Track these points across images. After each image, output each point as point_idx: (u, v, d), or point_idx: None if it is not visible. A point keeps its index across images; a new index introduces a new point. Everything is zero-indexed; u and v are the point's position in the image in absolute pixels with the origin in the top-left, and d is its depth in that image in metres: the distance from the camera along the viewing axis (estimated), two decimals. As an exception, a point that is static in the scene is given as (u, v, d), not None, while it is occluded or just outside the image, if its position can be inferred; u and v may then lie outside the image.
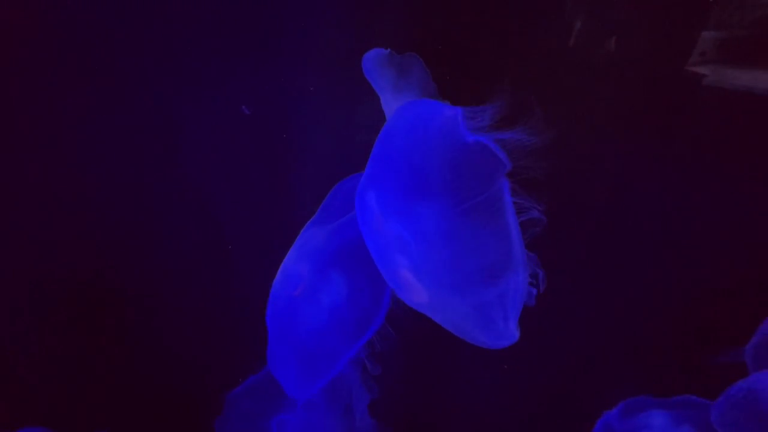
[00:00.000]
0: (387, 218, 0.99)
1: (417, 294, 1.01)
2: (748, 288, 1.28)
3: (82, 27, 1.42)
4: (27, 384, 1.74)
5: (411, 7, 1.29)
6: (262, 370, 1.52)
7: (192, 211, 1.59)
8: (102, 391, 1.75)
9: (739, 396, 1.12)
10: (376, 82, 1.06)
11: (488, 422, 1.64)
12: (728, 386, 1.17)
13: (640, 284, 1.38)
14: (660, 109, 1.35)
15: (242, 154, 1.54)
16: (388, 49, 1.09)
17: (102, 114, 1.48)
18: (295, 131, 1.49)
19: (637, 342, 1.45)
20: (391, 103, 1.09)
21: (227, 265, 1.62)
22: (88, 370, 1.74)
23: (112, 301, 1.68)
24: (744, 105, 1.29)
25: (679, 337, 1.40)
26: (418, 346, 1.32)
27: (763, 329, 1.16)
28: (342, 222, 1.22)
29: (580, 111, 1.36)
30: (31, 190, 1.55)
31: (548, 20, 1.30)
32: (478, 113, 0.91)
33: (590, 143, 1.37)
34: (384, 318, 1.25)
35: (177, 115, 1.49)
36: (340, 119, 1.45)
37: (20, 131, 1.51)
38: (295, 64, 1.41)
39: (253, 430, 1.52)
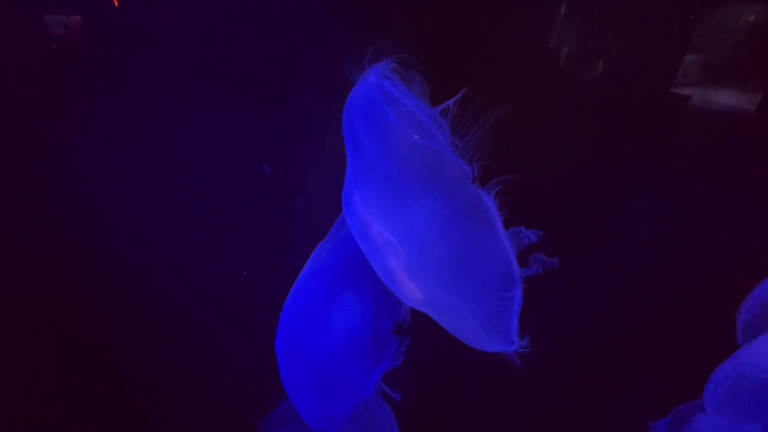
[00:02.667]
0: (372, 220, 1.03)
1: (411, 293, 1.04)
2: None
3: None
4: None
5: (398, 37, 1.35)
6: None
7: (203, 232, 1.63)
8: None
9: (727, 381, 1.11)
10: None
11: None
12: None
13: (630, 297, 1.41)
14: (647, 129, 1.39)
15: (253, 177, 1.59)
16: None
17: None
18: (305, 149, 1.54)
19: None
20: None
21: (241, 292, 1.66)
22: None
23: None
24: (727, 124, 1.33)
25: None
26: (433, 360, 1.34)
27: (754, 296, 1.15)
28: (343, 234, 1.25)
29: (569, 132, 1.40)
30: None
31: (537, 46, 1.35)
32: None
33: (580, 162, 1.41)
34: (403, 335, 1.28)
35: (181, 135, 1.54)
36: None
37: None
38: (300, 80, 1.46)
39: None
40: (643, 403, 1.43)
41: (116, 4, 1.45)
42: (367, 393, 1.35)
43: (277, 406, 1.51)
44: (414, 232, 1.01)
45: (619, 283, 1.42)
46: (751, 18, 1.26)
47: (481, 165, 0.96)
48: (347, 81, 1.18)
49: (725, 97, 1.32)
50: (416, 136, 0.96)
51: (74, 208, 1.59)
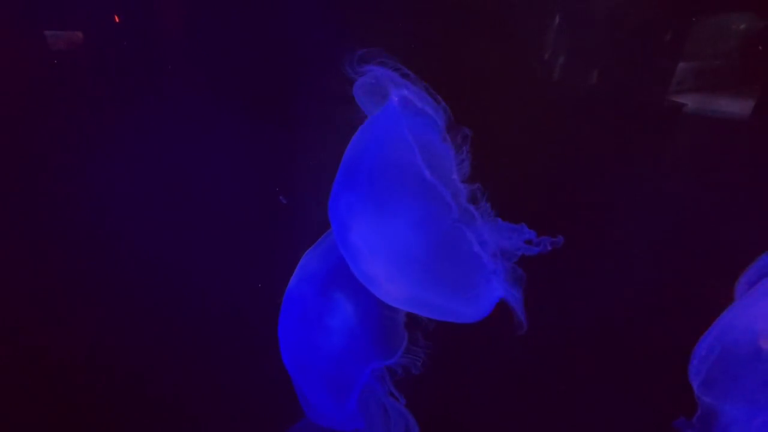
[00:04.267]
0: (353, 226, 1.07)
1: (386, 295, 1.07)
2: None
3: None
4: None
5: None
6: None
7: (200, 240, 1.64)
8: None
9: (712, 354, 1.09)
10: (367, 108, 1.12)
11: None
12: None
13: (627, 297, 1.43)
14: (644, 135, 1.40)
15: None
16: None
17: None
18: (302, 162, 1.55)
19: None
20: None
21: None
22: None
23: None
24: (721, 129, 1.34)
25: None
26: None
27: (757, 266, 1.11)
28: (333, 239, 1.27)
29: (567, 138, 1.42)
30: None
31: (534, 56, 1.37)
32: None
33: (577, 169, 1.42)
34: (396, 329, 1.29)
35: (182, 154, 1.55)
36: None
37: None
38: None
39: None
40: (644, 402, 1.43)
41: (117, 20, 1.47)
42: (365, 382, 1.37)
43: (300, 416, 1.51)
44: (391, 244, 1.07)
45: (617, 282, 1.43)
46: (743, 26, 1.28)
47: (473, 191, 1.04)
48: (344, 86, 1.21)
49: (720, 104, 1.34)
50: (426, 172, 1.03)
51: (75, 220, 1.59)
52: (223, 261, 1.65)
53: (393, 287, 1.13)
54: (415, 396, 1.40)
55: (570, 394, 1.56)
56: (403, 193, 1.08)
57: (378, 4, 1.38)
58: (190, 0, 1.49)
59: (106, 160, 1.55)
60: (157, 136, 1.54)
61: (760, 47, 1.26)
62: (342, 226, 1.12)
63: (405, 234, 1.10)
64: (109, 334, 1.73)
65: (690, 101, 1.35)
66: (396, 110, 1.07)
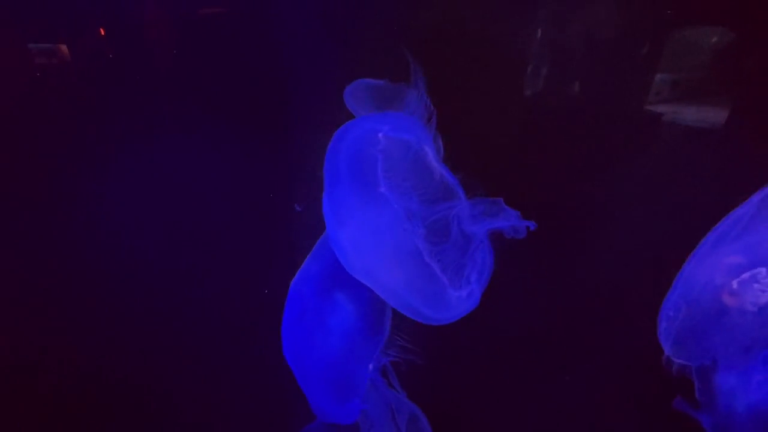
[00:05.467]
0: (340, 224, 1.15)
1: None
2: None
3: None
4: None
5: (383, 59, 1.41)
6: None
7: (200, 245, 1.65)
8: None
9: (680, 314, 1.11)
10: (357, 112, 1.17)
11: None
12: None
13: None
14: (623, 144, 1.47)
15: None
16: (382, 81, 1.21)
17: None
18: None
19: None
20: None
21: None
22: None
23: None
24: (697, 138, 1.41)
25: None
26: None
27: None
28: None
29: (548, 148, 1.48)
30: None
31: (518, 67, 1.43)
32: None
33: (558, 178, 1.48)
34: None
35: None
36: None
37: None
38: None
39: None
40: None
41: (102, 33, 1.48)
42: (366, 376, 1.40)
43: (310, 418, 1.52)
44: (357, 247, 1.21)
45: (599, 280, 1.48)
46: (714, 39, 1.36)
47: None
48: (339, 96, 1.25)
49: (695, 113, 1.41)
50: (382, 184, 1.19)
51: (67, 230, 1.60)
52: (226, 265, 1.67)
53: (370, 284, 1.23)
54: (417, 387, 1.45)
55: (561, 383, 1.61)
56: (364, 200, 1.18)
57: (369, 13, 1.41)
58: (179, 8, 1.50)
59: (97, 172, 1.56)
60: (150, 146, 1.55)
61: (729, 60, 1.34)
62: (327, 223, 1.22)
63: (367, 239, 1.20)
64: (115, 343, 1.74)
65: (666, 111, 1.42)
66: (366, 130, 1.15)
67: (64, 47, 1.48)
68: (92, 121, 1.54)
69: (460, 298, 1.29)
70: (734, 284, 1.06)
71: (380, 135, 1.14)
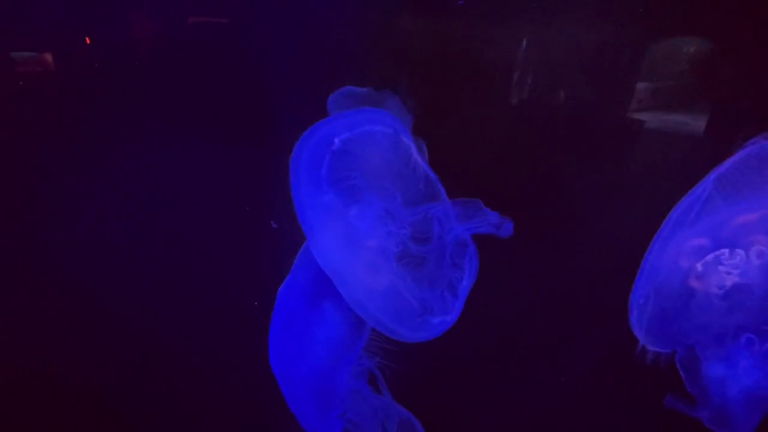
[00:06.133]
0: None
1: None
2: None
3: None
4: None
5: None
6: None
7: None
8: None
9: (650, 300, 1.10)
10: None
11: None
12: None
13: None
14: (607, 151, 1.52)
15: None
16: (365, 88, 1.28)
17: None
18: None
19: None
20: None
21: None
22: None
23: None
24: (678, 144, 1.45)
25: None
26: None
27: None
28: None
29: (533, 155, 1.53)
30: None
31: (503, 77, 1.50)
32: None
33: (544, 185, 1.52)
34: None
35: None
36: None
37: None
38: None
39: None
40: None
41: (88, 42, 1.49)
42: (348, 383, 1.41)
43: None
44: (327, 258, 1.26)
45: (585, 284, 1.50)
46: (692, 49, 1.42)
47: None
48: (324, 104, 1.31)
49: (676, 120, 1.46)
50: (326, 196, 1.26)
51: (50, 246, 1.61)
52: (211, 275, 1.68)
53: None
54: (408, 392, 1.46)
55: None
56: (321, 211, 1.25)
57: (354, 21, 1.46)
58: (164, 19, 1.52)
59: (80, 184, 1.58)
60: (132, 158, 1.57)
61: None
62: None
63: (333, 254, 1.24)
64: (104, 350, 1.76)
65: (649, 118, 1.47)
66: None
67: (48, 55, 1.49)
68: (70, 131, 1.55)
69: (437, 324, 1.33)
70: (699, 267, 1.07)
71: (336, 140, 1.18)
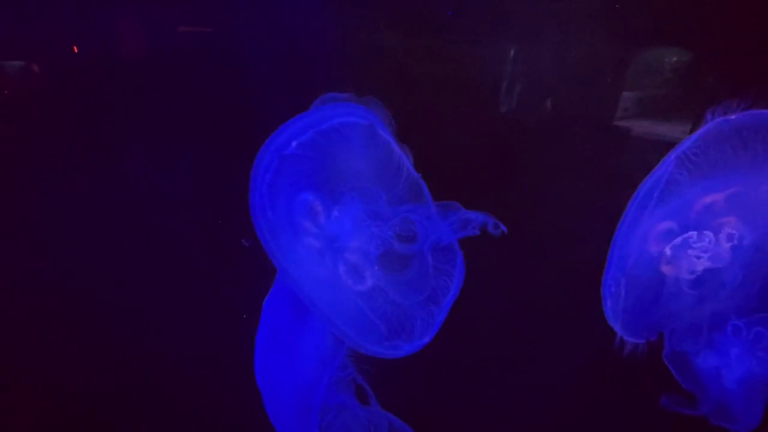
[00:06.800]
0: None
1: None
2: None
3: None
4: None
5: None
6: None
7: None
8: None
9: (621, 287, 1.07)
10: None
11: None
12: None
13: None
14: (595, 158, 1.55)
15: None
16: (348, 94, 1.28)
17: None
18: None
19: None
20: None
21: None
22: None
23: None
24: (662, 151, 1.48)
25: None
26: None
27: None
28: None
29: (520, 163, 1.57)
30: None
31: (488, 86, 1.57)
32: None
33: (531, 192, 1.56)
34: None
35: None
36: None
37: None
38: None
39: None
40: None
41: (75, 51, 1.49)
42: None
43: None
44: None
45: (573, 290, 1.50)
46: (674, 59, 1.47)
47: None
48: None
49: (660, 128, 1.49)
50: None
51: (28, 254, 1.62)
52: (196, 286, 1.67)
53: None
54: (397, 399, 1.47)
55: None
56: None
57: (338, 29, 1.50)
58: (152, 30, 1.54)
59: (61, 194, 1.58)
60: (115, 170, 1.57)
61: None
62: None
63: (298, 273, 1.23)
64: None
65: (634, 126, 1.51)
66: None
67: (34, 66, 1.51)
68: (46, 143, 1.56)
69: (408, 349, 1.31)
70: (668, 251, 1.08)
71: (293, 143, 1.16)
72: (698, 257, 1.05)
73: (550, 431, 1.67)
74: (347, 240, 1.26)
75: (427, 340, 1.33)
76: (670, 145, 1.47)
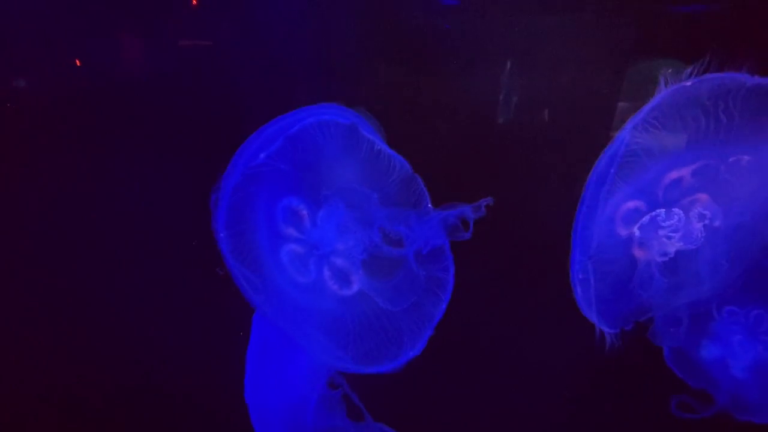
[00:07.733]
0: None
1: None
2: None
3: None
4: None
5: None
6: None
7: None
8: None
9: (588, 277, 0.99)
10: None
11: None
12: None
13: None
14: (589, 169, 1.53)
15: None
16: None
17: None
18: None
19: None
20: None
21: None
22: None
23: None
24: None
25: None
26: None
27: None
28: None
29: (517, 172, 1.58)
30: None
31: (486, 96, 1.60)
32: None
33: (528, 201, 1.56)
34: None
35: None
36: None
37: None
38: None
39: None
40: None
41: (78, 64, 1.52)
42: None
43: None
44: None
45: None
46: (669, 70, 1.47)
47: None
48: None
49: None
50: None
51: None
52: (186, 299, 1.68)
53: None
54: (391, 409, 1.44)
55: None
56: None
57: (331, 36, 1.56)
58: (146, 43, 1.58)
59: (50, 206, 1.63)
60: (107, 183, 1.61)
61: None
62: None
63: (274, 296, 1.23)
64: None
65: (630, 135, 1.50)
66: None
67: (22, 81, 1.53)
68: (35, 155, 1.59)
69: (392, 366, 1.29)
70: (636, 232, 1.02)
71: (262, 155, 1.13)
72: (668, 237, 0.99)
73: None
74: (333, 244, 1.24)
75: (414, 353, 1.30)
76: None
